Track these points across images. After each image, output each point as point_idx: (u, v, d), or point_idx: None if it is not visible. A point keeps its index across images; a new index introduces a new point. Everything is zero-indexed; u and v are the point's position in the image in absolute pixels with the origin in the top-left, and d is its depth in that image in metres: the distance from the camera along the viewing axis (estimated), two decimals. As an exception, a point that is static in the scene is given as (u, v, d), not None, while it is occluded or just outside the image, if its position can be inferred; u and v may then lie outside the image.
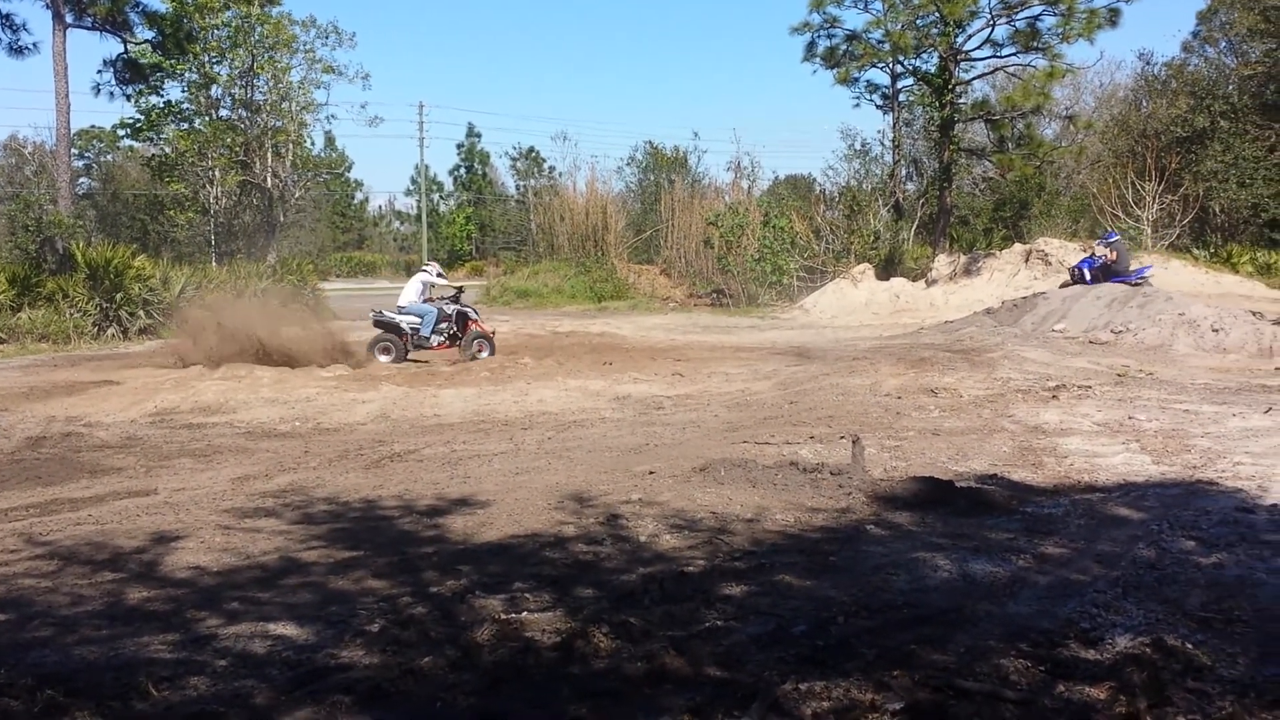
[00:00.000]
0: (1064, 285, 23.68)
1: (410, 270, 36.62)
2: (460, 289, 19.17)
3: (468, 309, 18.45)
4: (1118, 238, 24.50)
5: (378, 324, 17.83)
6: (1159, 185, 33.57)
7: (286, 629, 4.83)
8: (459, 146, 79.45)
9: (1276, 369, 14.78)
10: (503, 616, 4.84)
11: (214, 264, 34.32)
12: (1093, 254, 23.17)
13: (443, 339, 17.94)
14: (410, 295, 17.98)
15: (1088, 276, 22.77)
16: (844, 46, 34.32)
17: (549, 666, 4.29)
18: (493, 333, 18.56)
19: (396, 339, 17.56)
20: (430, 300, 18.15)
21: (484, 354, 17.73)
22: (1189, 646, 4.33)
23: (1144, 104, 43.36)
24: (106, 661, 4.46)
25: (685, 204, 40.00)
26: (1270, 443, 9.10)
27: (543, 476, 8.39)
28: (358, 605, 5.15)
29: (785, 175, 56.81)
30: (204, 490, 8.27)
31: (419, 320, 17.68)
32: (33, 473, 9.19)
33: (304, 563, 6.01)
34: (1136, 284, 21.10)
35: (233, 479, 8.72)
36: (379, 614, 5.00)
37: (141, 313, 24.56)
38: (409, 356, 17.59)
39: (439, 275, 18.70)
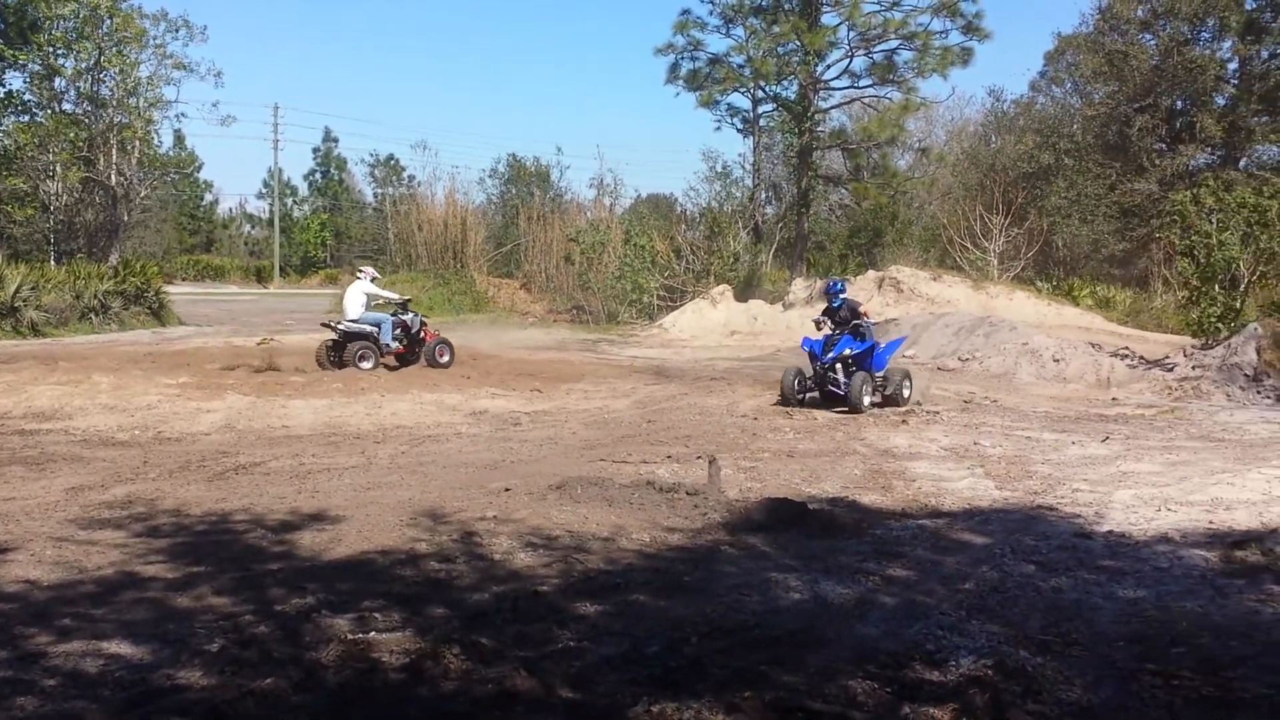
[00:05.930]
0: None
1: (257, 276, 35.27)
2: (408, 300, 18.73)
3: (417, 315, 18.20)
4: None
5: (345, 335, 17.16)
6: (1006, 219, 34.71)
7: (121, 647, 4.63)
8: (315, 151, 77.82)
9: (1113, 399, 15.42)
10: (350, 636, 4.72)
11: (53, 263, 32.91)
12: None
13: (399, 345, 17.54)
14: (356, 306, 17.46)
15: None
16: (707, 70, 34.53)
17: (396, 688, 4.19)
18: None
19: (373, 345, 17.03)
20: (377, 307, 17.82)
21: (445, 359, 17.58)
22: (1029, 669, 4.46)
23: (993, 139, 44.90)
24: (-79, 682, 4.21)
25: (547, 219, 39.90)
26: (1107, 471, 9.48)
27: (395, 492, 8.23)
28: (197, 623, 4.96)
29: (647, 194, 57.11)
30: (36, 500, 7.88)
31: (376, 329, 17.23)
32: None
33: (142, 578, 5.77)
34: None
35: (67, 489, 8.33)
36: (219, 633, 4.82)
37: (-27, 311, 23.42)
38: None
39: (373, 280, 18.15)
